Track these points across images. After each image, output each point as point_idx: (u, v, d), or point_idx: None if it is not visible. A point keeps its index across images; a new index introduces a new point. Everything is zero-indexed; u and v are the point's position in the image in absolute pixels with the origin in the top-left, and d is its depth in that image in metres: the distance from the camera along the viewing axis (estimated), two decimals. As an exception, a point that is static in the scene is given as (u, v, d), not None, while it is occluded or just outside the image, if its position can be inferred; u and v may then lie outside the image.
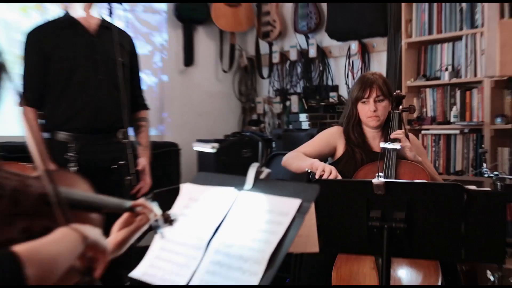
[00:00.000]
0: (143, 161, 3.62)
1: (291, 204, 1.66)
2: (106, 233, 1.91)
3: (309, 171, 3.14)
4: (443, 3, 4.57)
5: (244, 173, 1.88)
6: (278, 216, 1.66)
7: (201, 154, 4.88)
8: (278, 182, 1.79)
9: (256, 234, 1.66)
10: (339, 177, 3.06)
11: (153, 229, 1.86)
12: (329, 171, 3.03)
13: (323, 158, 3.30)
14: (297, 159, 3.25)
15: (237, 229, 1.72)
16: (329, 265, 3.02)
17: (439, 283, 2.94)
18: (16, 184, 1.54)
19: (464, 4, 4.46)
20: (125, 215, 1.88)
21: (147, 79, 5.44)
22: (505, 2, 3.86)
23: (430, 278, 2.97)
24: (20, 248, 1.27)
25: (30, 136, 3.69)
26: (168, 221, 1.88)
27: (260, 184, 1.79)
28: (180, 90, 5.81)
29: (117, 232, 1.86)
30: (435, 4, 4.61)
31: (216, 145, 2.60)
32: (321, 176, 3.02)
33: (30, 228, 1.59)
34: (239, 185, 1.82)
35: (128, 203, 1.86)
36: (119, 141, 3.40)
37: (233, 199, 1.79)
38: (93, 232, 1.47)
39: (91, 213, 1.79)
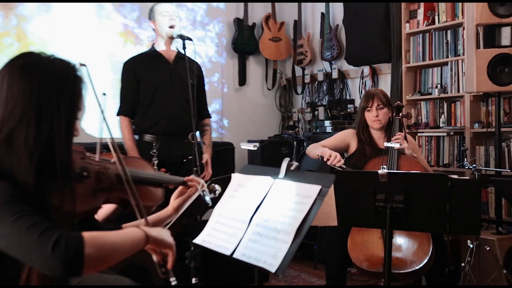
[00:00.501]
0: (206, 157, 3.65)
1: (313, 189, 1.66)
2: (167, 202, 1.94)
3: (319, 155, 3.13)
4: (433, 37, 4.54)
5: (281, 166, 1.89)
6: (303, 198, 1.66)
7: (250, 151, 4.90)
8: (304, 172, 1.80)
9: (286, 212, 1.67)
10: (342, 161, 3.08)
11: (201, 198, 1.88)
12: (334, 156, 3.06)
13: (337, 151, 3.25)
14: (314, 148, 3.27)
15: (272, 208, 1.73)
16: (345, 235, 3.02)
17: (430, 250, 2.90)
18: (98, 168, 1.58)
19: (449, 37, 4.42)
20: (179, 188, 1.90)
21: (213, 95, 5.46)
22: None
23: (423, 246, 2.92)
24: (87, 234, 1.24)
25: (125, 137, 3.77)
26: (213, 191, 1.93)
27: (290, 174, 1.80)
28: (236, 103, 5.82)
29: (173, 200, 1.88)
30: (427, 37, 4.57)
31: (257, 144, 2.59)
32: (327, 160, 3.06)
33: (108, 200, 1.63)
34: (275, 174, 1.83)
35: (182, 178, 1.89)
36: (189, 141, 3.43)
37: (270, 185, 1.80)
38: (159, 233, 1.44)
39: (154, 187, 1.83)
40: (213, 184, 1.98)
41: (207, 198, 1.92)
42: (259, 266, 1.60)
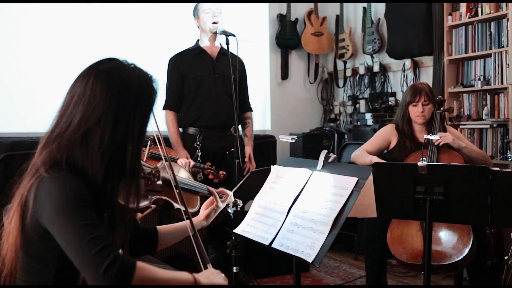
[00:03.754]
0: (249, 150, 3.67)
1: (350, 181, 1.66)
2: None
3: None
4: (476, 29, 4.42)
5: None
6: (340, 190, 1.66)
7: (292, 143, 4.87)
8: (341, 164, 1.78)
9: (323, 203, 1.66)
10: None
11: (225, 210, 1.90)
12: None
13: (381, 151, 3.29)
14: (361, 157, 3.21)
15: (310, 199, 1.73)
16: (385, 226, 2.97)
17: (471, 242, 2.84)
18: (150, 171, 1.60)
19: (492, 29, 4.29)
20: (210, 198, 1.88)
21: (256, 89, 5.46)
22: None
23: (464, 238, 2.86)
24: (141, 264, 1.28)
25: (171, 130, 3.81)
26: (235, 205, 1.95)
27: (328, 166, 1.79)
28: (279, 97, 5.81)
29: (204, 210, 1.86)
30: (470, 29, 4.46)
31: (295, 137, 2.56)
32: None
33: (157, 202, 1.65)
34: (313, 166, 1.83)
35: (215, 191, 1.88)
36: (231, 134, 3.46)
37: (308, 177, 1.80)
38: (208, 278, 1.43)
39: (192, 194, 1.87)
40: (236, 199, 1.98)
41: (230, 211, 1.94)
42: (297, 256, 1.60)
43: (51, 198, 1.25)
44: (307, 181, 1.79)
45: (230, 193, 1.90)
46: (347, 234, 4.43)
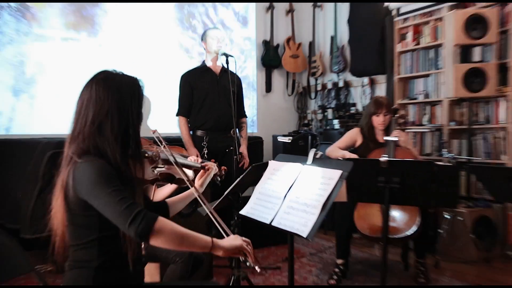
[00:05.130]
0: (243, 148, 3.65)
1: (336, 173, 1.66)
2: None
3: (340, 158, 3.12)
4: (419, 55, 4.48)
5: (299, 155, 1.89)
6: (327, 180, 1.65)
7: (278, 143, 4.84)
8: (327, 159, 1.78)
9: (314, 191, 1.66)
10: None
11: (214, 178, 1.97)
12: (352, 156, 3.09)
13: (349, 147, 3.31)
14: (333, 152, 3.26)
15: (302, 188, 1.72)
16: (352, 208, 3.01)
17: (419, 220, 2.88)
18: (151, 153, 1.67)
19: (431, 55, 4.36)
20: (202, 171, 1.92)
21: (248, 100, 5.46)
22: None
23: (413, 217, 2.90)
24: (163, 219, 1.31)
25: (183, 132, 3.79)
26: (221, 175, 2.02)
27: (316, 161, 1.79)
28: (264, 106, 5.80)
29: (198, 180, 1.89)
30: (414, 54, 4.52)
31: (291, 138, 2.60)
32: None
33: (161, 175, 1.69)
34: (303, 161, 1.82)
35: (201, 164, 1.92)
36: (230, 135, 3.43)
37: (300, 170, 1.79)
38: (229, 242, 1.40)
39: (187, 168, 1.87)
40: (219, 170, 2.04)
41: (218, 179, 2.03)
42: (293, 232, 1.60)
43: (87, 175, 1.30)
44: (299, 173, 1.78)
45: (214, 165, 1.93)
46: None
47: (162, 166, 1.70)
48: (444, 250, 3.59)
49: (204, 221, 2.62)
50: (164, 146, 1.64)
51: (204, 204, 1.54)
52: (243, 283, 2.46)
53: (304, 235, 1.54)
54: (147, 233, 1.26)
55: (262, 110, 5.77)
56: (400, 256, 3.45)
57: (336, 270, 3.09)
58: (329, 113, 5.40)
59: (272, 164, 1.97)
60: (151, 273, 2.36)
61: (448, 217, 3.60)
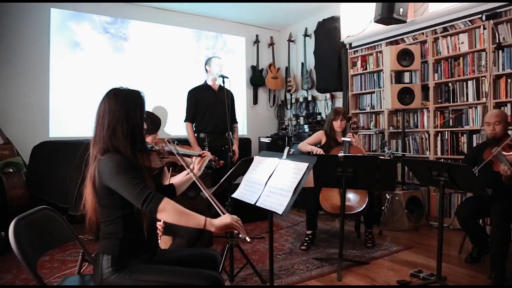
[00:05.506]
0: (235, 147, 3.60)
1: (304, 165, 1.63)
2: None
3: (311, 152, 3.11)
4: (366, 77, 4.46)
5: (279, 152, 1.86)
6: (298, 171, 1.63)
7: (261, 142, 4.84)
8: (298, 155, 1.75)
9: (287, 179, 1.63)
10: (322, 153, 3.04)
11: (209, 164, 1.89)
12: (318, 150, 3.04)
13: (316, 144, 3.28)
14: (304, 146, 3.22)
15: (279, 176, 1.69)
16: (318, 192, 3.00)
17: (367, 200, 2.88)
18: (158, 148, 1.62)
19: (375, 77, 4.37)
20: (199, 158, 1.80)
21: (240, 110, 5.43)
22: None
23: (363, 197, 2.91)
24: (168, 200, 1.29)
25: (189, 134, 3.73)
26: (214, 161, 1.94)
27: (289, 156, 1.76)
28: (251, 115, 5.76)
29: (196, 165, 1.77)
30: (363, 77, 4.53)
31: (269, 139, 2.58)
32: (314, 153, 3.02)
33: (167, 163, 1.65)
34: (280, 156, 1.79)
35: (199, 153, 1.81)
36: (226, 137, 3.38)
37: (277, 163, 1.76)
38: (220, 220, 1.34)
39: (187, 157, 1.80)
40: (214, 156, 1.97)
41: (213, 163, 1.97)
42: (272, 210, 1.58)
43: (109, 167, 1.29)
44: (277, 165, 1.76)
45: (209, 153, 1.85)
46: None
47: (167, 156, 1.67)
48: (385, 222, 3.61)
49: (205, 203, 2.59)
50: (169, 142, 1.64)
51: (201, 185, 1.50)
52: (235, 250, 2.43)
53: (280, 212, 1.52)
54: (155, 210, 1.26)
55: (250, 118, 5.73)
56: (354, 227, 3.45)
57: (306, 238, 3.06)
58: (301, 120, 5.39)
59: (256, 158, 1.94)
60: (165, 242, 2.31)
61: (388, 197, 3.61)
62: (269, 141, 2.64)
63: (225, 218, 1.36)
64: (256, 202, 1.67)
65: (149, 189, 1.28)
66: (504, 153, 2.31)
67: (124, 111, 1.35)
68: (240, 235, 1.38)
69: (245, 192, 1.79)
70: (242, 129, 5.57)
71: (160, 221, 1.98)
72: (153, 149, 1.59)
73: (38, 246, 1.36)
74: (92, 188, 1.35)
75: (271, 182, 1.69)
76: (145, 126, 1.45)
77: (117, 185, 1.27)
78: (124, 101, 1.37)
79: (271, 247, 1.80)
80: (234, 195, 1.83)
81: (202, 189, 1.49)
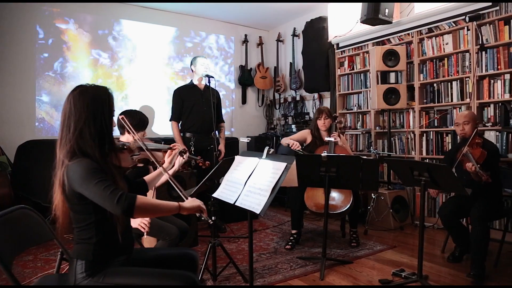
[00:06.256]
0: (222, 146, 3.59)
1: (282, 165, 1.63)
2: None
3: (287, 143, 3.10)
4: (353, 77, 4.49)
5: (260, 151, 1.86)
6: (276, 170, 1.63)
7: (248, 142, 4.85)
8: (277, 155, 1.75)
9: (266, 178, 1.64)
10: (300, 147, 3.04)
11: (180, 154, 1.85)
12: (295, 144, 3.05)
13: (300, 142, 3.26)
14: (285, 140, 3.21)
15: (258, 176, 1.69)
16: (302, 191, 3.01)
17: (351, 200, 2.90)
18: (127, 145, 1.61)
19: (362, 78, 4.39)
20: (169, 151, 1.81)
21: (228, 109, 5.41)
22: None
23: (347, 197, 2.93)
24: (141, 197, 1.27)
25: (175, 133, 3.73)
26: (184, 152, 1.88)
27: (269, 156, 1.76)
28: (240, 114, 5.75)
29: (167, 159, 1.78)
30: (350, 77, 4.54)
31: (249, 138, 2.59)
32: (291, 146, 3.04)
33: (139, 160, 1.64)
34: (260, 156, 1.80)
35: (169, 146, 1.82)
36: (212, 136, 3.37)
37: (257, 162, 1.76)
38: (190, 203, 1.39)
39: (157, 152, 1.81)
40: (184, 148, 1.93)
41: (184, 157, 1.88)
42: (250, 210, 1.57)
43: (77, 173, 1.24)
44: (256, 165, 1.76)
45: (179, 145, 1.85)
46: (280, 196, 4.46)
47: (138, 153, 1.66)
48: (371, 221, 3.64)
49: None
50: (137, 136, 1.62)
51: (169, 176, 1.49)
52: (218, 249, 2.43)
53: (258, 212, 1.52)
54: (131, 210, 1.23)
55: (238, 118, 5.73)
56: (339, 227, 3.47)
57: (291, 238, 3.07)
58: (289, 120, 5.40)
59: (237, 158, 1.94)
60: (149, 242, 2.31)
61: (374, 196, 3.64)
62: (248, 141, 2.64)
63: (194, 201, 1.40)
64: (236, 201, 1.67)
65: (120, 190, 1.23)
66: (471, 150, 2.37)
67: (92, 111, 1.29)
68: (203, 218, 1.41)
69: (225, 191, 1.79)
70: (230, 129, 5.56)
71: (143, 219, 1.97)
72: (125, 147, 1.57)
73: (14, 246, 1.34)
74: (62, 194, 1.30)
75: (250, 182, 1.69)
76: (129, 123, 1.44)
77: (87, 190, 1.23)
78: (91, 100, 1.30)
79: (251, 246, 1.81)
80: (214, 195, 1.83)
81: (170, 181, 1.49)
